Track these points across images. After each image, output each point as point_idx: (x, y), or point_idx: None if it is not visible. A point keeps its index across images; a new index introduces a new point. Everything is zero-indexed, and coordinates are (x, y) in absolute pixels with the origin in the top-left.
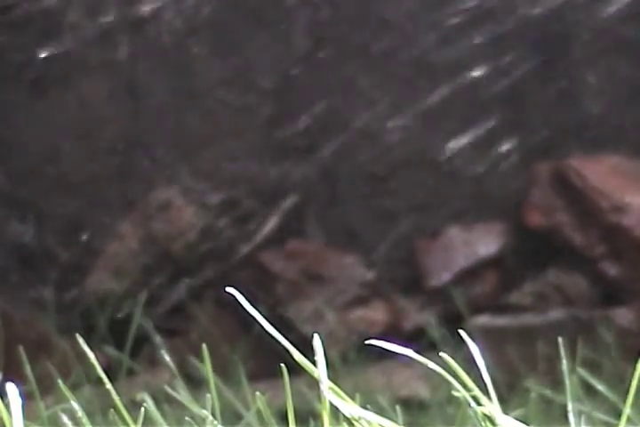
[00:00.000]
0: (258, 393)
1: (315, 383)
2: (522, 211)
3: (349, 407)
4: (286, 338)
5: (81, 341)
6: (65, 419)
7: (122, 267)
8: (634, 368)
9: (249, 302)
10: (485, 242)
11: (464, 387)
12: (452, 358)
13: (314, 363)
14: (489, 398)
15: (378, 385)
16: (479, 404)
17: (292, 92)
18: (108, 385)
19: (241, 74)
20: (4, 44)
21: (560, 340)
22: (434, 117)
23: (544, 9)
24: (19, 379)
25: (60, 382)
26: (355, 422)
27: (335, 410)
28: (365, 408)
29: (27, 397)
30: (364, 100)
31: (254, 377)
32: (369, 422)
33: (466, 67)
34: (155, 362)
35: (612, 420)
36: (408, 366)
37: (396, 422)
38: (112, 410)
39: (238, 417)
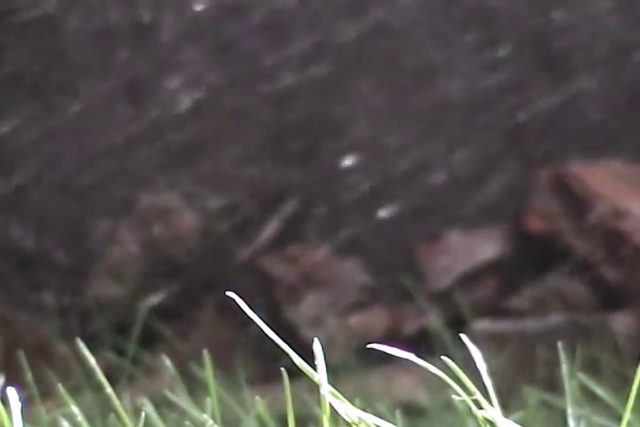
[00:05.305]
0: (258, 397)
1: (315, 388)
2: (522, 216)
3: (349, 411)
4: (286, 342)
5: (81, 345)
6: (65, 423)
7: (122, 271)
8: (634, 373)
9: (249, 306)
10: (485, 247)
11: (465, 391)
12: (453, 362)
13: (314, 367)
14: (490, 402)
15: (378, 390)
16: (480, 408)
17: (293, 97)
18: (109, 389)
19: (241, 78)
20: (3, 48)
21: (560, 344)
22: (434, 122)
23: (544, 13)
24: (19, 383)
25: (60, 386)
26: None
27: (335, 414)
28: (365, 413)
29: (27, 401)
30: (363, 105)
31: (254, 381)
32: None
33: (465, 71)
34: (155, 367)
35: (612, 424)
36: (408, 371)
37: (395, 426)
38: (112, 414)
39: (238, 421)
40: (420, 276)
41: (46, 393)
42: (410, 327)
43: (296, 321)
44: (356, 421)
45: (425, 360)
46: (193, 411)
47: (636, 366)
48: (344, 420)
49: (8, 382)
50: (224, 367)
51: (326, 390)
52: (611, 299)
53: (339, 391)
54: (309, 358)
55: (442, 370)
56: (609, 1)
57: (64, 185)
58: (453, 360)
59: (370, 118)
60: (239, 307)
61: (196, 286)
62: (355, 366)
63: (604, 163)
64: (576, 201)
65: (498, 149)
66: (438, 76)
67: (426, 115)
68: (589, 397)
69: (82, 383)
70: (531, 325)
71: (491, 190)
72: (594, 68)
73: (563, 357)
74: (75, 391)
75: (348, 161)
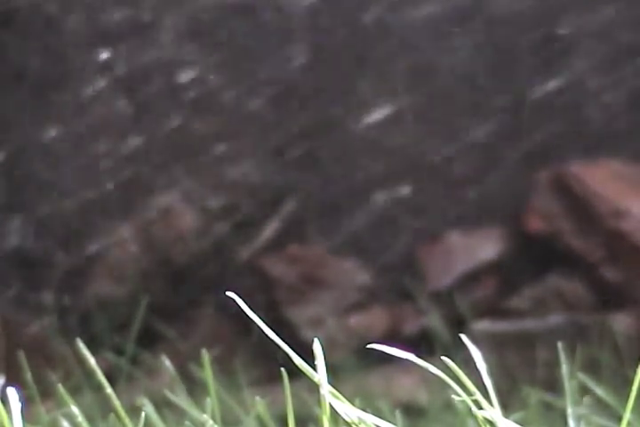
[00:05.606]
0: (258, 398)
1: (314, 388)
2: (522, 216)
3: (349, 411)
4: (286, 343)
5: (81, 345)
6: (65, 423)
7: (122, 272)
8: (634, 373)
9: (249, 306)
10: (485, 247)
11: (465, 391)
12: (453, 362)
13: (314, 367)
14: (490, 402)
15: (378, 390)
16: (480, 408)
17: (293, 97)
18: (109, 390)
19: (241, 79)
20: (4, 48)
21: (559, 345)
22: (434, 122)
23: (544, 13)
24: (19, 383)
25: (60, 386)
26: None
27: (335, 414)
28: (365, 413)
29: (27, 401)
30: (364, 105)
31: (254, 382)
32: None
33: (465, 71)
34: (155, 367)
35: (612, 424)
36: (408, 371)
37: (395, 426)
38: (112, 414)
39: (238, 421)
40: (420, 276)
41: (46, 393)
42: (410, 327)
43: (296, 321)
44: (356, 421)
45: (425, 360)
46: (193, 411)
47: (636, 366)
48: (344, 420)
49: (8, 382)
50: (224, 367)
51: (326, 390)
52: (611, 299)
53: (339, 391)
54: (309, 358)
55: (442, 370)
56: (610, 1)
57: (64, 185)
58: (453, 360)
59: (370, 118)
60: (239, 307)
61: (196, 286)
62: (355, 366)
63: (603, 163)
64: (576, 201)
65: (498, 149)
66: (438, 75)
67: (426, 114)
68: (589, 396)
69: (82, 383)
70: (531, 325)
71: (491, 190)
72: (594, 67)
73: (563, 357)
74: (75, 391)
75: (347, 161)
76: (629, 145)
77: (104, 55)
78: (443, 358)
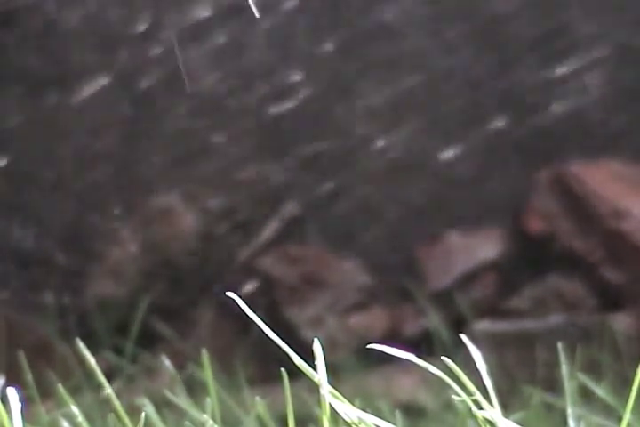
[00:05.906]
0: (258, 398)
1: (314, 388)
2: (522, 216)
3: (349, 411)
4: (286, 343)
5: (81, 345)
6: (65, 423)
7: (122, 272)
8: (634, 373)
9: (249, 306)
10: (485, 247)
11: (465, 391)
12: (453, 362)
13: (314, 367)
14: (490, 402)
15: (378, 390)
16: (480, 408)
17: (293, 97)
18: (109, 390)
19: (241, 79)
20: (4, 48)
21: (559, 345)
22: (434, 122)
23: (544, 14)
24: (19, 383)
25: (60, 386)
26: None
27: (335, 414)
28: (365, 413)
29: (27, 401)
30: (363, 105)
31: (254, 382)
32: None
33: (465, 72)
34: (155, 367)
35: (612, 425)
36: (408, 372)
37: (395, 426)
38: (112, 415)
39: (238, 422)
40: (420, 276)
41: (46, 393)
42: (410, 328)
43: (296, 321)
44: (356, 421)
45: (425, 360)
46: (193, 411)
47: (636, 366)
48: (344, 420)
49: (8, 382)
50: (224, 367)
51: (326, 390)
52: (611, 299)
53: (339, 391)
54: (309, 358)
55: (442, 370)
56: (609, 1)
57: (64, 185)
58: (453, 360)
59: (370, 118)
60: (239, 307)
61: (196, 286)
62: (355, 366)
63: (603, 163)
64: (576, 201)
65: (498, 149)
66: (438, 76)
67: (425, 115)
68: (589, 397)
69: (82, 383)
70: (531, 325)
71: (491, 190)
72: (594, 67)
73: (563, 357)
74: (75, 391)
75: (347, 161)
76: (629, 145)
77: (104, 55)
78: (443, 358)
